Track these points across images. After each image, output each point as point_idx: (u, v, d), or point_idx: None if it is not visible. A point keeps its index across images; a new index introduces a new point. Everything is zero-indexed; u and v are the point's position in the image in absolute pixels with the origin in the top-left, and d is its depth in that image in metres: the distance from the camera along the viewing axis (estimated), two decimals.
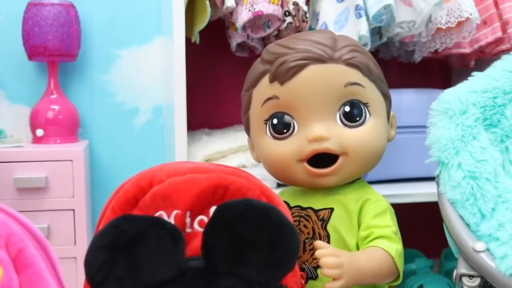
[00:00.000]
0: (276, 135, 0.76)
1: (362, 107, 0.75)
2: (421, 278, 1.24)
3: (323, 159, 0.74)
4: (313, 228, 0.76)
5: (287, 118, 0.75)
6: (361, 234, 0.73)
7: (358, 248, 0.74)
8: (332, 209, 0.76)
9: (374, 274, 0.69)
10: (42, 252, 0.55)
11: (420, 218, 1.31)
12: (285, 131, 0.75)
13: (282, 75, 0.73)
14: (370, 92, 0.75)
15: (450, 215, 0.68)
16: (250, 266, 0.55)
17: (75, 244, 1.07)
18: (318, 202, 0.77)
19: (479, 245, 0.64)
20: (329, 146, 0.73)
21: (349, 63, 0.73)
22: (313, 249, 0.72)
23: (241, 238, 0.55)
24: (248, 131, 0.82)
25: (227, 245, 0.55)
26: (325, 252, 0.65)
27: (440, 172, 0.71)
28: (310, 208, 0.77)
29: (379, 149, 0.77)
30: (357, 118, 0.74)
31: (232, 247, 0.55)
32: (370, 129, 0.75)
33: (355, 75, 0.74)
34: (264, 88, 0.75)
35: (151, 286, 0.54)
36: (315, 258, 0.66)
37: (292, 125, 0.75)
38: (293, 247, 0.56)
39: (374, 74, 0.76)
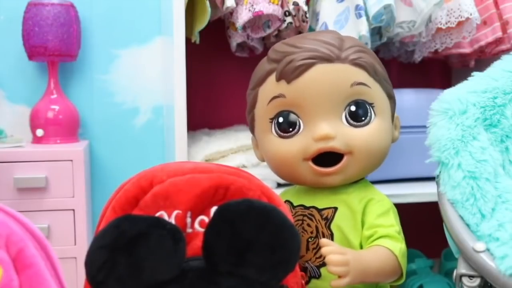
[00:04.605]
0: (282, 134, 0.76)
1: (368, 107, 0.75)
2: (421, 278, 1.24)
3: (327, 158, 0.74)
4: (316, 227, 0.76)
5: (293, 116, 0.75)
6: (365, 233, 0.73)
7: (361, 248, 0.74)
8: (336, 208, 0.76)
9: (378, 272, 0.69)
10: (42, 252, 0.55)
11: (420, 218, 1.31)
12: (290, 129, 0.75)
13: (289, 74, 0.73)
14: (375, 92, 0.76)
15: (450, 215, 0.68)
16: (251, 267, 0.55)
17: (75, 244, 1.07)
18: (321, 201, 0.77)
19: (479, 245, 0.64)
20: (335, 145, 0.73)
21: (355, 63, 0.74)
22: (317, 248, 0.73)
23: (242, 239, 0.55)
24: (252, 129, 0.82)
25: (228, 245, 0.55)
26: (331, 250, 0.65)
27: (440, 172, 0.71)
28: (314, 207, 0.77)
29: (384, 149, 0.77)
30: (363, 118, 0.75)
31: (232, 248, 0.55)
32: (375, 129, 0.75)
33: (361, 75, 0.74)
34: (270, 87, 0.76)
35: (151, 286, 0.54)
36: (319, 257, 0.66)
37: (297, 123, 0.75)
38: (294, 248, 0.56)
39: (379, 75, 0.76)
